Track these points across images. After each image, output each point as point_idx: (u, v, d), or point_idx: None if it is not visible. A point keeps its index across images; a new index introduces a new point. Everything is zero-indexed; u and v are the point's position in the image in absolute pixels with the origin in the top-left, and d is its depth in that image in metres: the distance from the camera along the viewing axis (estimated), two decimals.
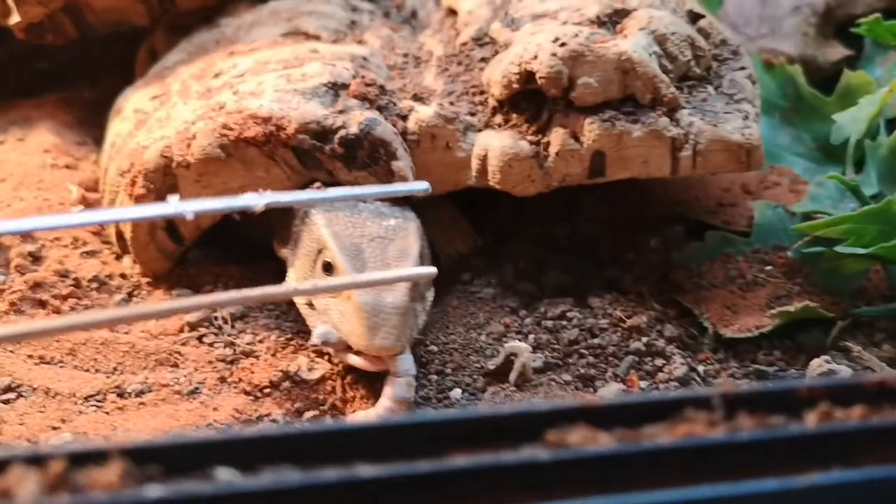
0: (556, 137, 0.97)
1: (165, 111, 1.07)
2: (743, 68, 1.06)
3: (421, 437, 0.43)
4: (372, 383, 0.91)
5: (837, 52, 1.38)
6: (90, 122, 1.28)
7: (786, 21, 1.38)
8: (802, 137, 1.22)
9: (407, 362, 0.88)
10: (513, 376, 0.91)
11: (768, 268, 1.04)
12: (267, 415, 0.88)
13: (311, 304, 0.92)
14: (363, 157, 0.97)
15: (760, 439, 0.44)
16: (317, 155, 0.97)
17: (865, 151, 1.11)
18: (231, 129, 0.97)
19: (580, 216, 1.16)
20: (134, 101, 1.14)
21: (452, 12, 1.15)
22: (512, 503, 0.42)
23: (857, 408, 0.48)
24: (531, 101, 1.00)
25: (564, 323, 0.98)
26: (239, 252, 1.07)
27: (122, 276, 1.03)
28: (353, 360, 0.88)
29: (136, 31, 1.29)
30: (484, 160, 0.99)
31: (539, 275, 1.08)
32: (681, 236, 1.12)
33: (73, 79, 1.40)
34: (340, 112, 0.98)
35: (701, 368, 0.95)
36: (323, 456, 0.42)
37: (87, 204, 1.12)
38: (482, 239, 1.13)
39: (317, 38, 1.13)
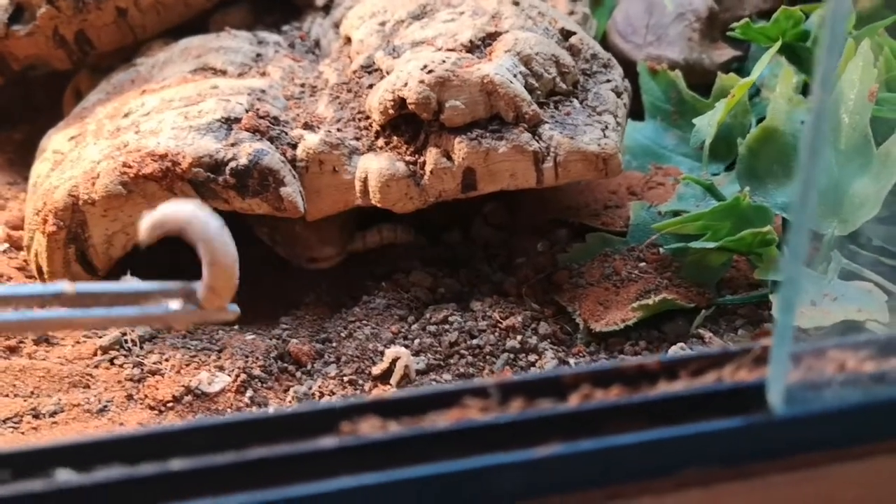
0: (431, 157, 1.03)
1: (78, 151, 1.13)
2: (609, 81, 1.11)
3: (230, 435, 0.51)
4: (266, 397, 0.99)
5: (725, 53, 1.43)
6: (21, 163, 1.33)
7: (670, 28, 1.43)
8: (687, 138, 1.25)
9: None
10: (394, 378, 0.97)
11: (642, 264, 1.08)
12: None
13: None
14: (254, 186, 1.04)
15: (518, 419, 0.53)
16: (212, 186, 1.04)
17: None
18: (130, 166, 1.04)
19: (481, 222, 1.22)
20: (54, 142, 1.19)
21: (349, 40, 1.20)
22: (304, 483, 0.50)
23: (615, 388, 0.56)
24: (409, 123, 1.05)
25: (446, 327, 1.03)
26: None
27: None
28: None
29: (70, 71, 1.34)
30: (365, 182, 1.05)
31: (435, 283, 1.14)
32: (565, 239, 1.17)
33: (14, 117, 1.45)
34: (232, 145, 1.05)
35: (573, 361, 1.01)
36: (145, 455, 0.50)
37: (13, 242, 1.18)
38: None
39: (223, 72, 1.19)
